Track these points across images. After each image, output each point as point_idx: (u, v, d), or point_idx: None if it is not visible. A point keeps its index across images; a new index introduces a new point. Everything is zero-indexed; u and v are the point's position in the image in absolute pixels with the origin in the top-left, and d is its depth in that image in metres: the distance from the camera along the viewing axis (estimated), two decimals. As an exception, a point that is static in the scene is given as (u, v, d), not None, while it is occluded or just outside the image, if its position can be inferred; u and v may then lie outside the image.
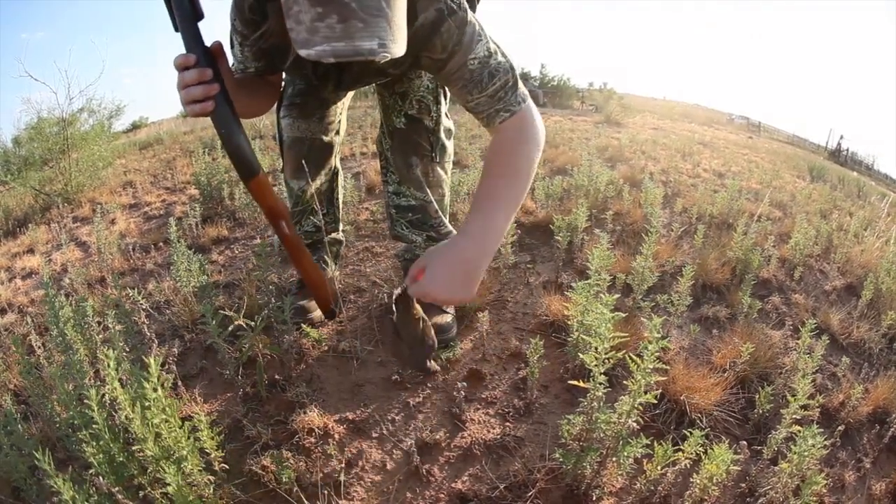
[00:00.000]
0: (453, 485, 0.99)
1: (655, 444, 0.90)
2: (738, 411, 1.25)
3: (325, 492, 0.96)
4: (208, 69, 0.79)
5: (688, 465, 0.92)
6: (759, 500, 0.97)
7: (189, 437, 0.79)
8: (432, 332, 0.99)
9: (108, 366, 0.75)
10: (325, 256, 1.44)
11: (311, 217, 1.40)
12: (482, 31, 0.91)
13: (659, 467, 0.90)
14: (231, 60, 0.93)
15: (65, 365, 1.10)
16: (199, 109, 0.80)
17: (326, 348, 1.36)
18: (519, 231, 1.80)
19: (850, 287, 2.16)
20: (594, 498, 0.96)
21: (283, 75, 1.17)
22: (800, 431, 0.90)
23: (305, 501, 0.93)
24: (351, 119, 5.13)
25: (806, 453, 0.89)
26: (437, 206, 1.33)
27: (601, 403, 0.91)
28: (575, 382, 0.96)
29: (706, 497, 0.92)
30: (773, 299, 1.89)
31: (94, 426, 0.77)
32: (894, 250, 2.42)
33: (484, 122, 0.96)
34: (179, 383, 1.15)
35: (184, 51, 0.79)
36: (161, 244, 2.35)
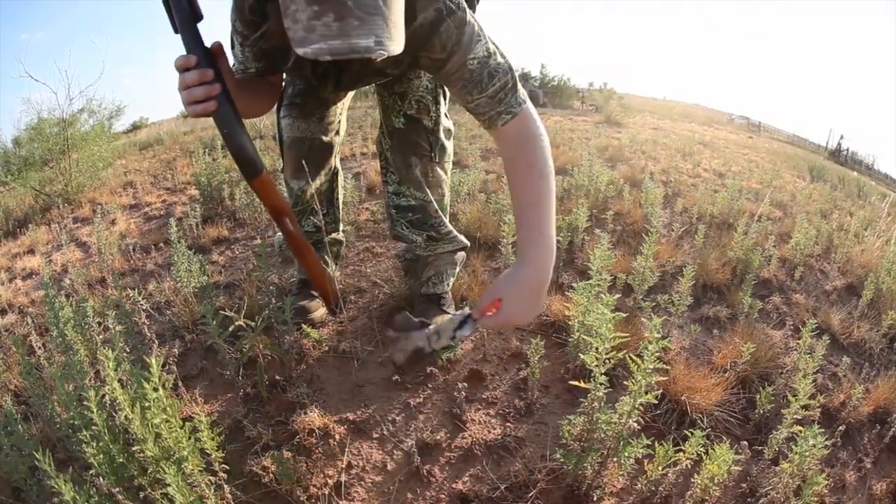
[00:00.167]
0: (454, 485, 0.99)
1: (656, 444, 0.90)
2: (738, 411, 1.25)
3: (326, 492, 0.96)
4: (209, 70, 0.79)
5: (689, 466, 0.92)
6: (760, 501, 0.97)
7: (189, 438, 0.79)
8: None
9: (108, 366, 0.75)
10: (326, 257, 1.43)
11: (312, 217, 1.40)
12: (481, 31, 0.91)
13: (660, 467, 0.90)
14: (231, 61, 0.93)
15: (65, 365, 1.10)
16: (202, 110, 0.80)
17: (327, 349, 1.36)
18: (519, 231, 1.80)
19: (851, 287, 2.16)
20: (595, 498, 0.96)
21: (284, 75, 1.17)
22: (801, 431, 0.90)
23: (306, 502, 0.93)
24: (351, 119, 5.13)
25: (807, 453, 0.89)
26: (436, 206, 1.33)
27: (602, 404, 0.91)
28: (576, 383, 0.96)
29: (707, 497, 0.92)
30: (774, 299, 1.89)
31: (94, 427, 0.77)
32: (895, 250, 2.42)
33: (485, 124, 0.97)
34: (180, 384, 1.14)
35: (184, 52, 0.79)
36: (161, 245, 2.35)
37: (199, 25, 0.80)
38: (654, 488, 0.96)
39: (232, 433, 1.10)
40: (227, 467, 0.88)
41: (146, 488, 0.82)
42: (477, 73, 0.91)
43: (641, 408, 0.86)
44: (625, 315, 0.96)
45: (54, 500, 0.73)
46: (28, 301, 2.08)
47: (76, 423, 0.86)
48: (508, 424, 1.14)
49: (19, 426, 0.99)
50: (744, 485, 1.05)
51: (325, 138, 1.31)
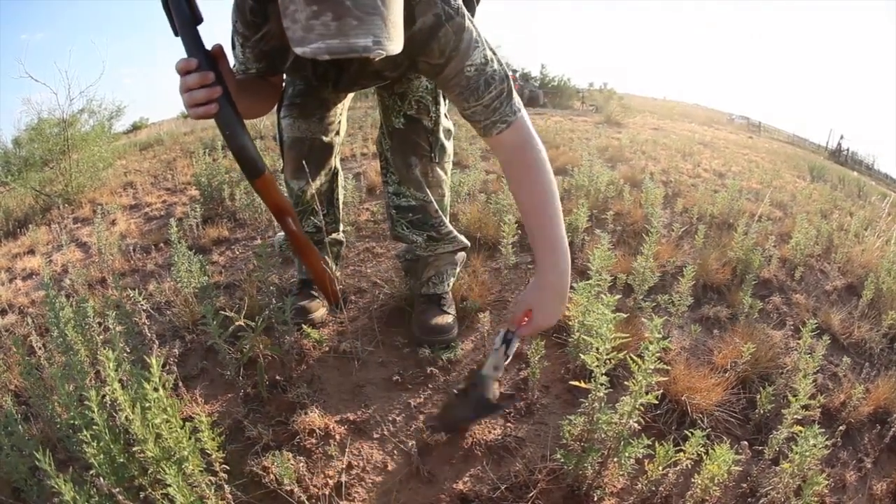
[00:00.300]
0: (454, 485, 0.99)
1: (657, 444, 0.90)
2: (739, 411, 1.25)
3: (326, 492, 0.96)
4: (210, 72, 0.79)
5: (689, 466, 0.92)
6: (761, 501, 0.97)
7: (190, 438, 0.79)
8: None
9: (109, 367, 0.75)
10: (326, 257, 1.44)
11: (312, 217, 1.40)
12: (479, 37, 0.92)
13: (660, 468, 0.90)
14: (232, 61, 0.93)
15: (65, 366, 1.10)
16: (203, 112, 0.81)
17: (327, 349, 1.36)
18: (520, 231, 1.80)
19: (851, 287, 2.16)
20: (595, 498, 0.96)
21: (284, 76, 1.18)
22: (801, 431, 0.90)
23: (306, 502, 0.93)
24: (351, 119, 5.13)
25: (807, 453, 0.89)
26: (437, 207, 1.33)
27: (602, 404, 0.91)
28: (576, 383, 0.96)
29: (707, 497, 0.92)
30: (774, 299, 1.89)
31: (94, 427, 0.77)
32: (895, 250, 2.42)
33: (481, 131, 0.99)
34: (180, 384, 1.14)
35: (184, 55, 0.79)
36: (162, 245, 2.35)
37: (199, 28, 0.80)
38: (654, 488, 0.96)
39: (232, 433, 1.10)
40: (228, 467, 0.88)
41: (147, 488, 0.82)
42: (474, 81, 0.92)
43: (642, 408, 0.86)
44: (625, 315, 0.96)
45: (54, 500, 0.73)
46: (28, 301, 2.08)
47: (77, 423, 0.86)
48: (509, 424, 1.14)
49: (20, 426, 0.99)
50: (744, 485, 1.05)
51: (325, 138, 1.31)
